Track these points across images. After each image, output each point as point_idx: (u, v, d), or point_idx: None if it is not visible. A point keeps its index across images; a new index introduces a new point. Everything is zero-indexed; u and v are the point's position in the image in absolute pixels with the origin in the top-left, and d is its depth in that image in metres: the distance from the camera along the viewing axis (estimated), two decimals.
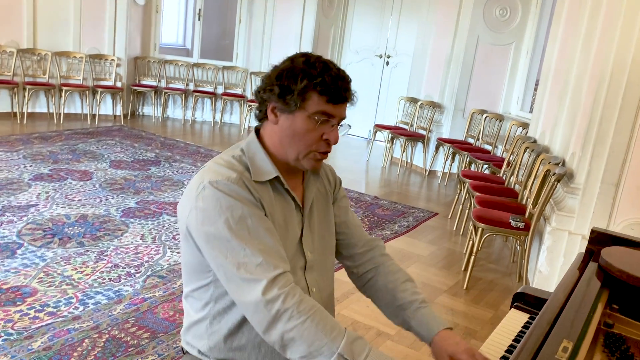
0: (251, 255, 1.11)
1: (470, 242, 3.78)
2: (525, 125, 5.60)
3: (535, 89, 6.07)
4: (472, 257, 3.56)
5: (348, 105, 1.26)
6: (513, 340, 1.34)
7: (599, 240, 1.49)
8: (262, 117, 1.28)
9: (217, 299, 1.22)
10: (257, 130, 1.31)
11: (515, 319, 1.46)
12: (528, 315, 1.48)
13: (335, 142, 1.23)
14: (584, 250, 1.54)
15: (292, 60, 1.22)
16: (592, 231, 1.51)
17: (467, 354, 1.20)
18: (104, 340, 2.47)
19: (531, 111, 5.82)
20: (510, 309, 1.59)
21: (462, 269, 3.79)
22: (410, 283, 1.39)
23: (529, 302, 1.57)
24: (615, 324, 1.18)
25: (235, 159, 1.24)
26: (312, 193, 1.34)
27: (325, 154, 1.25)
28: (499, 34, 6.44)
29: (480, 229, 3.47)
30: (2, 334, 2.42)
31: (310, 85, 1.17)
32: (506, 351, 1.30)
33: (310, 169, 1.27)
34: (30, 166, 5.04)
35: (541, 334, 1.04)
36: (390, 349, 2.68)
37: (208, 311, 1.24)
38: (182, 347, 1.35)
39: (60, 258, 3.23)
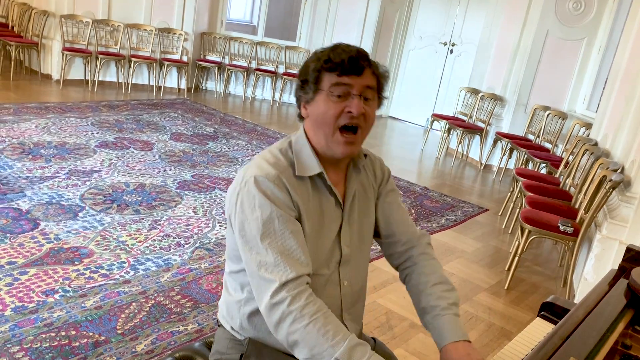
0: (271, 256, 1.16)
1: (517, 242, 3.72)
2: (589, 126, 5.39)
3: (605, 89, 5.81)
4: (517, 258, 3.51)
5: (371, 73, 1.26)
6: (532, 350, 1.35)
7: (635, 258, 1.47)
8: (301, 116, 1.33)
9: None
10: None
11: (538, 328, 1.47)
12: (552, 326, 1.48)
13: (358, 112, 1.22)
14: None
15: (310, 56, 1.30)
16: (628, 249, 1.48)
17: None
18: (149, 305, 2.64)
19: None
20: (537, 317, 1.59)
21: (506, 269, 3.75)
22: (439, 286, 1.37)
23: (556, 312, 1.57)
24: (633, 346, 1.17)
25: (282, 153, 1.29)
26: (353, 188, 1.36)
27: (350, 133, 1.25)
28: (570, 28, 6.18)
29: (527, 231, 3.41)
30: (60, 290, 2.63)
31: (319, 66, 1.23)
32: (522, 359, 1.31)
33: (341, 154, 1.27)
34: (97, 133, 5.33)
35: (551, 348, 1.05)
36: (421, 341, 2.71)
37: (243, 293, 1.31)
38: (217, 320, 1.44)
39: (117, 224, 3.44)
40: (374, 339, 1.52)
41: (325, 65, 1.23)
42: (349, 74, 1.22)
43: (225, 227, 1.36)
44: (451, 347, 1.25)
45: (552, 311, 1.56)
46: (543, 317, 1.56)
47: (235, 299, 1.32)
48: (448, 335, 1.28)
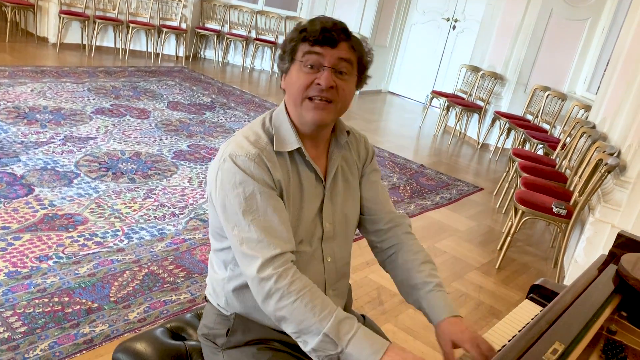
0: (254, 232, 1.16)
1: (510, 222, 3.74)
2: (588, 108, 5.38)
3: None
4: (509, 238, 3.54)
5: (349, 47, 1.24)
6: (519, 332, 1.37)
7: (625, 245, 1.48)
8: (283, 88, 1.32)
9: (236, 262, 1.27)
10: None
11: (527, 310, 1.48)
12: (540, 308, 1.50)
13: (327, 85, 1.20)
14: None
15: None
16: (619, 235, 1.49)
17: (471, 342, 1.21)
18: (143, 274, 2.65)
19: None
20: (525, 299, 1.61)
21: (498, 248, 3.78)
22: (428, 265, 1.39)
23: (545, 294, 1.58)
24: (618, 332, 1.19)
25: (263, 128, 1.28)
26: (335, 164, 1.35)
27: (322, 100, 1.22)
28: (574, 8, 6.10)
29: (520, 212, 3.43)
30: (54, 257, 2.64)
31: (295, 37, 1.24)
32: (509, 341, 1.33)
33: (311, 119, 1.24)
34: (94, 99, 5.28)
35: (537, 332, 1.06)
36: (411, 317, 2.74)
37: (227, 271, 1.32)
38: (205, 296, 1.45)
39: (112, 192, 3.43)
40: (363, 315, 1.53)
41: (300, 35, 1.23)
42: (322, 45, 1.21)
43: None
44: (449, 321, 1.27)
45: (540, 294, 1.58)
46: (532, 299, 1.57)
47: (220, 277, 1.33)
48: (445, 310, 1.30)
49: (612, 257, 1.48)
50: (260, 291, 1.15)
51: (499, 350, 1.12)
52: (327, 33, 1.20)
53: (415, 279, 1.36)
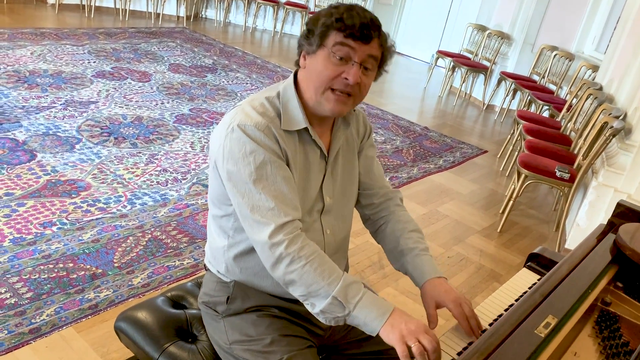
0: (265, 200, 1.18)
1: (513, 186, 3.74)
2: (596, 68, 5.28)
3: None
4: (511, 202, 3.54)
5: (379, 44, 1.23)
6: (515, 300, 1.39)
7: (624, 214, 1.47)
8: (297, 62, 1.30)
9: (237, 230, 1.30)
10: (296, 74, 1.32)
11: (524, 279, 1.49)
12: (537, 277, 1.51)
13: (355, 81, 1.20)
14: None
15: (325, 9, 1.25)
16: (619, 204, 1.48)
17: (454, 302, 1.25)
18: (146, 239, 2.68)
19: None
20: (523, 267, 1.62)
21: (500, 212, 3.78)
22: (416, 233, 1.44)
23: (542, 263, 1.59)
24: (613, 303, 1.20)
25: (270, 103, 1.27)
26: (339, 142, 1.37)
27: (344, 94, 1.23)
28: None
29: (523, 175, 3.42)
30: (58, 223, 2.66)
31: (330, 22, 1.19)
32: (505, 310, 1.34)
33: (330, 111, 1.25)
34: (94, 62, 5.22)
35: (531, 305, 1.07)
36: (410, 281, 2.77)
37: (226, 239, 1.33)
38: (204, 264, 1.47)
39: (114, 157, 3.43)
40: (363, 283, 1.55)
41: (335, 24, 1.19)
42: (355, 39, 1.19)
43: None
44: (433, 282, 1.32)
45: (538, 262, 1.59)
46: (530, 267, 1.58)
47: (219, 244, 1.35)
48: (430, 271, 1.34)
49: (612, 226, 1.47)
50: (270, 256, 1.17)
51: (491, 324, 1.14)
52: (365, 30, 1.19)
53: (402, 245, 1.41)
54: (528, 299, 1.10)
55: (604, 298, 1.20)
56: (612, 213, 1.49)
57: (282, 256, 1.16)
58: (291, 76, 1.32)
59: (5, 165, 3.07)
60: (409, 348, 1.09)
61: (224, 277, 1.37)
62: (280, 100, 1.28)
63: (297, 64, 1.31)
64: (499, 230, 3.54)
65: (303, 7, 8.05)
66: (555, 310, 1.03)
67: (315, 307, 1.17)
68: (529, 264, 1.60)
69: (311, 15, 1.27)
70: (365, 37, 1.20)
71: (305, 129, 1.28)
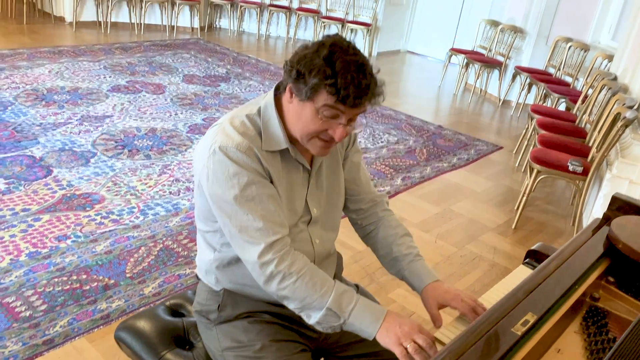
0: (253, 220, 1.19)
1: (527, 181, 3.68)
2: (611, 59, 5.16)
3: None
4: (525, 198, 3.49)
5: (370, 107, 1.20)
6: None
7: (619, 207, 1.44)
8: (282, 88, 1.25)
9: (223, 245, 1.32)
10: (278, 88, 1.28)
11: (519, 276, 1.48)
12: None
13: (340, 140, 1.19)
14: None
15: (319, 46, 1.16)
16: (614, 198, 1.45)
17: (456, 300, 1.30)
18: (158, 249, 2.73)
19: None
20: (521, 264, 1.60)
21: (515, 208, 3.74)
22: (407, 237, 1.46)
23: (541, 260, 1.57)
24: (602, 298, 1.18)
25: (250, 121, 1.25)
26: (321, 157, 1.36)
27: (330, 142, 1.22)
28: None
29: (535, 170, 3.37)
30: (72, 236, 2.73)
31: (322, 83, 1.13)
32: None
33: (315, 154, 1.26)
34: (110, 77, 5.34)
35: (514, 302, 1.06)
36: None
37: (213, 253, 1.35)
38: (196, 274, 1.49)
39: (128, 169, 3.50)
40: (357, 285, 1.56)
41: (328, 86, 1.12)
42: (346, 105, 1.14)
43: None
44: (432, 286, 1.36)
45: (537, 259, 1.57)
46: (527, 264, 1.57)
47: (207, 257, 1.37)
48: (427, 277, 1.38)
49: (607, 220, 1.45)
50: (261, 274, 1.20)
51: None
52: (358, 99, 1.14)
53: (396, 252, 1.43)
54: (511, 297, 1.09)
55: (592, 294, 1.18)
56: (608, 206, 1.46)
57: (273, 274, 1.18)
58: (271, 93, 1.28)
59: (22, 182, 3.16)
60: (406, 349, 1.13)
61: (214, 286, 1.40)
62: (261, 118, 1.26)
63: (280, 88, 1.26)
64: (513, 227, 3.50)
65: (315, 12, 8.08)
66: (536, 308, 1.02)
67: (311, 318, 1.20)
68: (527, 260, 1.58)
69: (298, 53, 1.19)
70: (356, 104, 1.15)
71: (287, 148, 1.27)
